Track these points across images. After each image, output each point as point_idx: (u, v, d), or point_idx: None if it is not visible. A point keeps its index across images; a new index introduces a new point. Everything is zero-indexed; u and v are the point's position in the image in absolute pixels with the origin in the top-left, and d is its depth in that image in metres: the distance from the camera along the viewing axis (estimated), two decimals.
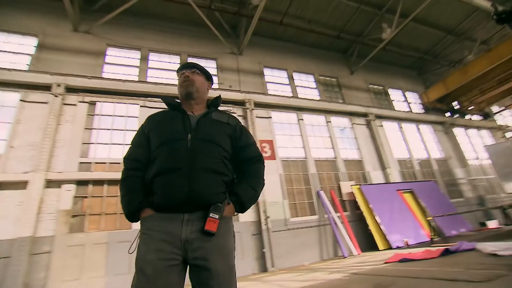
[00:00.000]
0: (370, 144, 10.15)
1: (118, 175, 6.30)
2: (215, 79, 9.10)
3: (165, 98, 1.52)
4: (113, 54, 8.42)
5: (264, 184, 1.48)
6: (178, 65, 7.00)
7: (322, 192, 8.18)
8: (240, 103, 8.63)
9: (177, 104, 1.49)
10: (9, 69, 6.76)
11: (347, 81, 11.54)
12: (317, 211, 8.00)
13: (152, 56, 8.82)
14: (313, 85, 10.75)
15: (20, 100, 6.64)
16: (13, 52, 7.42)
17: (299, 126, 9.28)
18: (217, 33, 9.02)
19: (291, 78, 10.32)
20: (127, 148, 5.56)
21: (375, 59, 11.70)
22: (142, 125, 1.49)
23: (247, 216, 7.15)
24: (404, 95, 13.13)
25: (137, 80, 8.08)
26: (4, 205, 5.54)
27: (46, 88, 6.81)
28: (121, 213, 6.34)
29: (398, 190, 8.87)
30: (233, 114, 1.66)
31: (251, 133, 7.90)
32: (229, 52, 9.59)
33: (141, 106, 7.71)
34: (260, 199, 7.24)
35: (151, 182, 1.26)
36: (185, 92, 1.49)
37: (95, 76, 7.52)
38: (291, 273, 5.74)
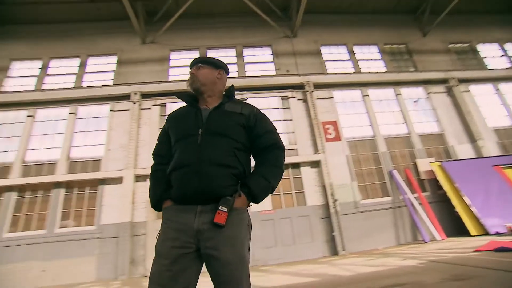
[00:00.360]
0: (452, 114, 8.84)
1: None
2: (270, 66, 9.18)
3: (179, 95, 1.55)
4: (175, 57, 9.28)
5: (282, 172, 1.44)
6: (235, 58, 7.32)
7: (395, 172, 7.59)
8: (299, 87, 8.54)
9: (190, 100, 1.52)
10: (100, 86, 8.17)
11: (419, 45, 10.17)
12: (391, 192, 7.49)
13: (210, 53, 9.38)
14: (378, 56, 9.84)
15: (110, 110, 8.04)
16: (102, 72, 8.91)
17: (364, 103, 8.70)
18: (268, 18, 9.03)
19: (351, 52, 9.66)
20: None
21: (454, 12, 9.98)
22: (165, 123, 1.57)
23: (315, 199, 7.20)
24: (503, 48, 10.80)
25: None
26: (109, 196, 6.92)
27: (126, 97, 8.03)
28: None
29: (495, 165, 7.55)
30: (247, 102, 1.65)
31: (312, 115, 7.94)
32: (283, 36, 9.50)
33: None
34: (326, 181, 7.18)
35: (169, 176, 1.36)
36: (192, 89, 1.52)
37: (163, 81, 8.46)
38: (362, 257, 5.61)
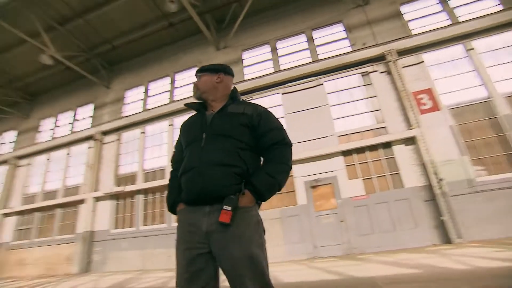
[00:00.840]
0: None
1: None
2: (345, 42, 8.58)
3: (187, 104, 1.64)
4: (248, 56, 9.69)
5: (288, 169, 1.42)
6: (306, 43, 7.14)
7: None
8: (380, 58, 7.73)
9: (199, 107, 1.60)
10: (188, 97, 9.32)
11: None
12: None
13: (280, 44, 9.43)
14: None
15: None
16: (188, 84, 10.15)
17: (470, 58, 7.16)
18: None
19: (443, 1, 8.05)
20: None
21: None
22: (180, 129, 1.67)
23: (414, 180, 6.44)
24: None
25: (272, 71, 8.89)
26: None
27: None
28: (287, 192, 7.38)
29: None
30: (252, 102, 1.65)
31: (400, 86, 7.04)
32: (354, 7, 8.73)
33: (282, 94, 8.49)
34: (426, 159, 6.31)
35: (180, 180, 1.44)
36: (196, 98, 1.61)
37: (240, 81, 8.97)
38: (485, 247, 4.70)
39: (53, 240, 10.01)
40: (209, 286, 1.24)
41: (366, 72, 7.84)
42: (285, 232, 6.98)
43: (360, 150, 7.18)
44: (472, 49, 7.18)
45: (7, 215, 11.45)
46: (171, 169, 1.63)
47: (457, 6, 7.91)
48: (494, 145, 6.35)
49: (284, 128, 1.52)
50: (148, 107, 10.48)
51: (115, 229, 9.18)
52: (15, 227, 11.15)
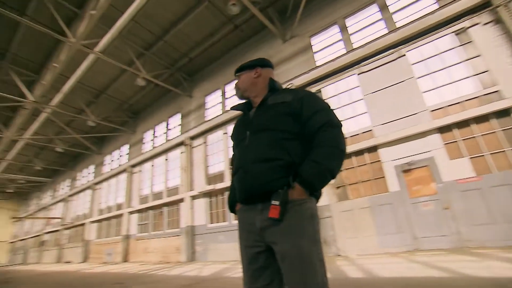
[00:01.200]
0: None
1: (360, 146, 6.93)
2: (427, 1, 7.28)
3: (233, 107, 1.63)
4: (317, 42, 9.27)
5: (340, 152, 1.27)
6: (379, 14, 6.45)
7: None
8: (482, 7, 6.28)
9: (241, 107, 1.59)
10: None
11: None
12: None
13: (349, 21, 8.69)
14: None
15: None
16: None
17: None
18: None
19: None
20: (360, 120, 5.82)
21: None
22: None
23: None
24: None
25: (345, 52, 8.29)
26: None
27: None
28: (375, 179, 6.83)
29: None
30: (293, 88, 1.54)
31: None
32: None
33: (358, 74, 7.85)
34: None
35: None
36: (239, 98, 1.61)
37: (311, 69, 8.68)
38: None
39: (164, 233, 11.82)
40: (274, 283, 1.24)
41: (462, 28, 6.48)
42: (377, 222, 6.44)
43: (462, 124, 6.01)
44: None
45: (131, 213, 14.10)
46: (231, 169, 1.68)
47: None
48: None
49: (332, 109, 1.39)
50: (227, 108, 11.19)
51: (211, 223, 10.18)
52: (137, 222, 13.63)
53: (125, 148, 16.95)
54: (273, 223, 1.19)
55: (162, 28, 10.33)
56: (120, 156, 17.27)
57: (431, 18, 6.76)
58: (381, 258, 5.46)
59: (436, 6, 7.04)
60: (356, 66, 7.91)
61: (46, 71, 11.58)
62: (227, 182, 9.93)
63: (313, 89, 8.55)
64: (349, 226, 6.79)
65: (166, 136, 13.86)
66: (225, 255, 9.16)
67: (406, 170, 6.38)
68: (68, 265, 15.72)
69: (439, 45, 6.74)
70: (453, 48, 6.54)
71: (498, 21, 6.04)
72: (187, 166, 11.51)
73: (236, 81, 1.63)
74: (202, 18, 9.91)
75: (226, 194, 9.94)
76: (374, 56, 7.61)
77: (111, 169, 17.36)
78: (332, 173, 1.24)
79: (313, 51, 9.26)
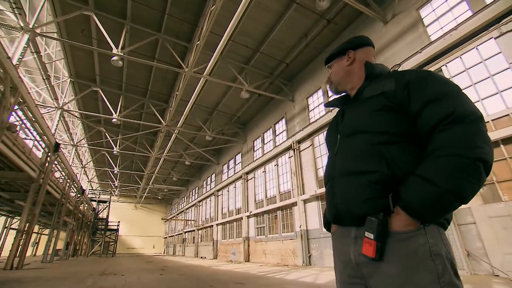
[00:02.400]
0: None
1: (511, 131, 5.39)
2: None
3: (328, 103, 1.36)
4: (427, 12, 7.85)
5: (471, 163, 0.76)
6: None
7: None
8: None
9: (337, 103, 1.27)
10: None
11: None
12: None
13: None
14: None
15: None
16: None
17: None
18: None
19: None
20: (507, 96, 4.64)
21: None
22: None
23: None
24: None
25: (471, 14, 6.70)
26: None
27: None
28: None
29: None
30: (398, 72, 1.04)
31: None
32: None
33: (496, 37, 6.21)
34: None
35: None
36: (334, 93, 1.31)
37: (424, 46, 7.42)
38: None
39: (280, 236, 12.31)
40: None
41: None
42: None
43: None
44: None
45: (249, 216, 15.38)
46: None
47: None
48: None
49: (459, 91, 0.89)
50: (330, 107, 10.81)
51: None
52: (255, 225, 14.74)
53: (239, 157, 18.75)
54: (370, 262, 0.87)
55: (256, 40, 10.96)
56: (236, 164, 19.21)
57: None
58: None
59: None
60: (493, 26, 6.21)
61: (172, 99, 14.16)
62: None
63: (431, 69, 7.25)
64: (507, 237, 5.29)
65: (274, 142, 14.53)
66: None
67: None
68: (203, 260, 18.45)
69: None
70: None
71: None
72: (296, 170, 11.70)
73: (329, 75, 1.32)
74: (293, 21, 9.96)
75: None
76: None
77: (228, 177, 19.50)
78: (459, 196, 0.78)
79: (425, 24, 7.87)
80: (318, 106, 11.70)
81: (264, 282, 6.30)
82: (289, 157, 12.53)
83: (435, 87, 0.91)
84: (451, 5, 7.36)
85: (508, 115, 5.78)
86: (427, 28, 7.79)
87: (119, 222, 29.81)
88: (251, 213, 15.07)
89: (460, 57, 6.79)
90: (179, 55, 10.74)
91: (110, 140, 18.39)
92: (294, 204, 11.51)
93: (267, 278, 7.20)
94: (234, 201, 18.13)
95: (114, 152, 18.77)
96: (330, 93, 11.01)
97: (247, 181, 16.54)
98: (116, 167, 23.06)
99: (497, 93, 6.06)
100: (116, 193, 35.09)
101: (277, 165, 13.70)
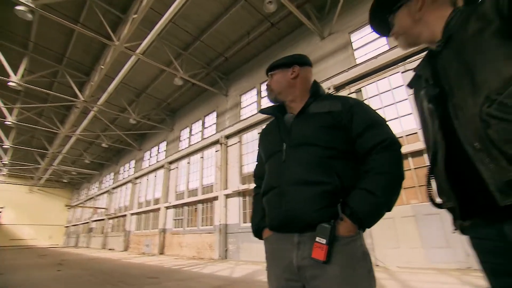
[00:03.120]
0: None
1: (404, 150, 6.46)
2: None
3: (262, 110, 1.39)
4: (357, 37, 8.82)
5: (398, 179, 1.03)
6: None
7: None
8: None
9: (276, 111, 1.33)
10: None
11: None
12: None
13: None
14: None
15: None
16: None
17: None
18: None
19: None
20: (404, 121, 5.46)
21: None
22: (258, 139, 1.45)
23: None
24: None
25: (387, 48, 7.79)
26: None
27: None
28: (420, 186, 6.35)
29: None
30: (339, 95, 1.30)
31: None
32: None
33: (402, 72, 7.34)
34: None
35: (262, 201, 1.24)
36: (271, 101, 1.36)
37: (351, 66, 8.30)
38: None
39: (198, 230, 12.19)
40: None
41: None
42: (422, 233, 5.97)
43: None
44: None
45: (167, 207, 14.76)
46: (255, 184, 1.43)
47: None
48: None
49: (387, 123, 1.13)
50: (263, 107, 11.14)
51: (244, 223, 10.26)
52: (173, 217, 14.24)
53: (163, 145, 17.78)
54: (316, 265, 0.97)
55: (199, 28, 10.54)
56: (159, 152, 18.16)
57: None
58: (427, 274, 5.04)
59: None
60: (401, 63, 7.38)
61: (95, 72, 12.49)
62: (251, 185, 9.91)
63: (353, 88, 8.17)
64: (391, 235, 6.39)
65: (202, 134, 14.25)
66: (258, 255, 9.17)
67: None
68: (111, 252, 16.95)
69: None
70: None
71: None
72: (222, 165, 11.72)
73: (268, 81, 1.37)
74: (238, 17, 9.93)
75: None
76: (421, 53, 7.03)
77: (150, 165, 18.33)
78: (388, 206, 1.02)
79: (353, 48, 8.83)
80: (250, 105, 11.94)
81: (179, 276, 6.13)
82: (216, 151, 12.48)
83: (372, 116, 1.14)
84: (375, 36, 8.42)
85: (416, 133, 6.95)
86: (355, 51, 8.73)
87: (1, 208, 24.74)
88: (170, 204, 14.49)
89: (376, 83, 7.84)
90: (110, 24, 9.46)
91: (3, 107, 15.02)
92: (216, 198, 11.52)
93: (182, 272, 7.03)
94: (153, 191, 17.14)
95: (8, 122, 15.37)
96: (264, 94, 11.37)
97: (169, 170, 15.82)
98: (8, 140, 19.04)
99: (397, 118, 7.22)
100: (2, 172, 28.95)
101: (203, 157, 13.50)
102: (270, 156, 1.23)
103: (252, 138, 11.20)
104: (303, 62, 1.34)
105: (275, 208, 1.10)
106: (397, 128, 7.15)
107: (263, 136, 1.38)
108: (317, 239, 0.96)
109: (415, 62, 7.07)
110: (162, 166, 16.33)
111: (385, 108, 7.50)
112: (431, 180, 0.90)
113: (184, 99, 15.68)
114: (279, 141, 1.19)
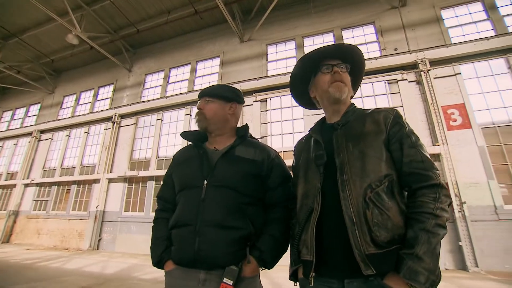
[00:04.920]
0: None
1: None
2: (374, 46, 8.21)
3: (184, 134, 1.37)
4: (273, 51, 9.50)
5: (288, 225, 1.25)
6: (333, 43, 6.82)
7: None
8: (411, 67, 7.36)
9: (196, 138, 1.33)
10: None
11: None
12: None
13: (307, 42, 9.17)
14: None
15: None
16: (208, 74, 10.12)
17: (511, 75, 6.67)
18: None
19: (491, 8, 7.47)
20: (296, 137, 6.15)
21: None
22: (171, 162, 1.40)
23: None
24: None
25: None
26: None
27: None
28: None
29: None
30: (261, 143, 1.38)
31: (429, 98, 6.68)
32: (389, 8, 8.29)
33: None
34: (449, 179, 6.02)
35: (169, 233, 1.21)
36: (199, 128, 1.32)
37: (262, 76, 8.84)
38: (503, 283, 4.46)
39: (67, 214, 10.50)
40: None
41: (395, 79, 7.48)
42: None
43: None
44: None
45: (27, 185, 12.08)
46: (159, 207, 1.34)
47: (506, 15, 7.33)
48: None
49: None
50: (168, 93, 10.56)
51: (126, 211, 9.48)
52: (34, 197, 11.76)
53: (35, 108, 14.47)
54: None
55: None
56: (27, 116, 14.66)
57: (374, 63, 7.57)
58: None
59: (379, 54, 7.99)
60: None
61: None
62: (152, 171, 9.38)
63: (259, 96, 8.72)
64: None
65: (92, 107, 12.34)
66: (137, 247, 8.64)
67: None
68: None
69: (376, 87, 7.62)
70: (385, 94, 7.49)
71: (419, 82, 7.17)
72: (110, 145, 10.47)
73: (200, 104, 1.31)
74: None
75: (149, 183, 9.37)
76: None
77: (9, 129, 14.60)
78: (284, 252, 1.19)
79: (268, 60, 9.47)
80: (155, 88, 11.13)
81: (32, 276, 4.83)
82: (106, 129, 11.07)
83: (286, 173, 1.31)
84: (286, 56, 9.26)
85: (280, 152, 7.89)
86: (268, 63, 9.36)
87: None
88: (32, 182, 11.91)
89: (280, 97, 8.62)
90: None
91: None
92: (97, 181, 10.22)
93: (36, 268, 5.72)
94: (9, 162, 13.70)
95: None
96: (172, 80, 10.82)
97: (39, 141, 12.98)
98: None
99: (291, 133, 8.14)
100: None
101: (88, 133, 11.72)
102: (186, 189, 1.21)
103: (150, 123, 10.45)
104: (241, 100, 1.39)
105: (189, 245, 1.09)
106: (289, 142, 8.04)
107: (179, 163, 1.32)
108: (225, 280, 1.02)
109: None
110: (30, 134, 13.24)
111: (283, 122, 8.34)
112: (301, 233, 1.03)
113: (76, 62, 13.19)
114: (199, 177, 1.18)
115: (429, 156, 0.98)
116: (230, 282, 1.01)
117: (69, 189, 11.03)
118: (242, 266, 1.07)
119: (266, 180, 1.24)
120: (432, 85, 6.86)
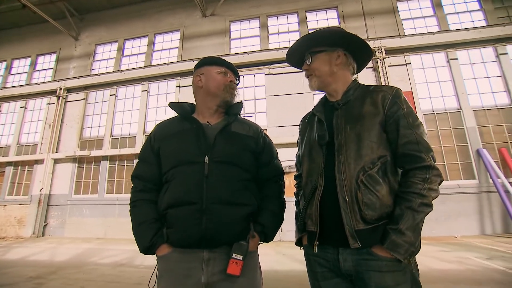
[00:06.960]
0: None
1: None
2: None
3: (174, 106, 1.28)
4: (236, 29, 9.33)
5: (284, 204, 1.32)
6: (297, 25, 6.96)
7: (484, 151, 6.68)
8: None
9: (183, 111, 1.26)
10: (167, 64, 8.90)
11: None
12: (477, 174, 6.69)
13: (271, 21, 9.17)
14: (476, 6, 8.19)
15: (176, 86, 8.82)
16: (168, 49, 9.63)
17: (449, 68, 7.58)
18: None
19: (437, 5, 8.26)
20: (258, 117, 6.19)
21: None
22: (149, 136, 1.26)
23: None
24: None
25: (259, 49, 8.71)
26: None
27: (190, 73, 8.50)
28: None
29: None
30: (252, 122, 1.37)
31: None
32: None
33: (266, 74, 8.41)
34: None
35: (163, 213, 1.11)
36: (226, 100, 1.27)
37: (225, 54, 8.70)
38: (433, 245, 5.32)
39: (2, 200, 9.45)
40: None
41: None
42: None
43: None
44: (455, 58, 7.58)
45: None
46: (137, 188, 1.20)
47: (448, 14, 8.18)
48: (455, 154, 7.00)
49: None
50: (123, 67, 9.82)
51: (76, 194, 8.88)
52: None
53: None
54: (227, 279, 1.03)
55: None
56: None
57: None
58: None
59: None
60: (267, 66, 8.45)
61: None
62: (106, 151, 8.84)
63: None
64: None
65: (30, 78, 10.92)
66: (89, 231, 8.24)
67: (286, 172, 7.44)
68: None
69: None
70: None
71: (375, 69, 7.77)
72: (55, 122, 9.51)
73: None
74: None
75: (102, 163, 8.84)
76: (284, 63, 8.35)
77: None
78: (282, 221, 1.26)
79: (231, 37, 9.30)
80: (108, 60, 10.26)
81: None
82: (48, 104, 10.00)
83: (275, 149, 1.37)
84: (250, 34, 9.19)
85: None
86: (231, 40, 9.20)
87: None
88: None
89: (243, 76, 8.60)
90: None
91: None
92: (40, 161, 9.30)
93: None
94: None
95: None
96: (127, 53, 10.07)
97: None
98: None
99: (253, 113, 8.28)
100: None
101: (26, 108, 10.46)
102: (183, 165, 1.12)
103: (102, 99, 9.70)
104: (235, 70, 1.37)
105: (193, 225, 1.04)
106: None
107: (166, 137, 1.21)
108: (234, 255, 1.02)
109: (280, 68, 8.31)
110: None
111: (245, 102, 8.40)
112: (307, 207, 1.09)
113: (5, 22, 11.39)
114: (198, 152, 1.12)
115: (425, 137, 1.02)
116: (240, 257, 1.01)
117: (4, 171, 9.87)
118: (249, 241, 1.08)
119: (260, 156, 1.27)
120: (386, 73, 7.49)
